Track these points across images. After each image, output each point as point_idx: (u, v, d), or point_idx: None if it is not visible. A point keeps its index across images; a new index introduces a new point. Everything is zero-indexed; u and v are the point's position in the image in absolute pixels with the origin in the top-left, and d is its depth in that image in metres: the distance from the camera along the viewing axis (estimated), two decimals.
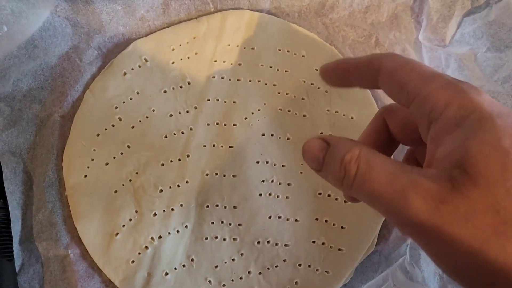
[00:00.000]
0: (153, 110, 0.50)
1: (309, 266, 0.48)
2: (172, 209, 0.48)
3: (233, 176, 0.49)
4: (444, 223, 0.24)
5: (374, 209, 0.28)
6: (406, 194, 0.25)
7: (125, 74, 0.50)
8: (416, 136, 0.31)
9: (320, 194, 0.49)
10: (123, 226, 0.48)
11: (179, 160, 0.49)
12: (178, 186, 0.49)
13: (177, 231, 0.48)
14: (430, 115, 0.28)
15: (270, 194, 0.49)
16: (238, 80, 0.51)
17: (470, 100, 0.27)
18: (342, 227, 0.48)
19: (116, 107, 0.50)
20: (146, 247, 0.47)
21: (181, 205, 0.48)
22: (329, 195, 0.49)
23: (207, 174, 0.49)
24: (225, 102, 0.51)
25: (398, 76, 0.30)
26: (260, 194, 0.49)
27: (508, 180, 0.24)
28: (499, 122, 0.25)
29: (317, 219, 0.48)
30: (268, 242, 0.48)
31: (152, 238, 0.48)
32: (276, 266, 0.48)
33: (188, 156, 0.49)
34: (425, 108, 0.28)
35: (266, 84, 0.51)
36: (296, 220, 0.48)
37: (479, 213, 0.24)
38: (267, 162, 0.50)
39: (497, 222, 0.23)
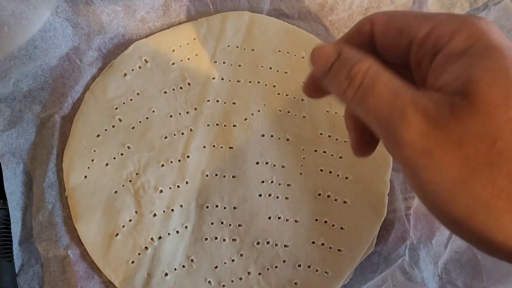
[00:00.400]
0: (153, 111, 0.50)
1: (309, 266, 0.48)
2: (172, 210, 0.48)
3: (233, 177, 0.49)
4: (436, 147, 0.24)
5: (370, 126, 0.27)
6: (404, 112, 0.24)
7: (125, 75, 0.51)
8: (403, 51, 0.29)
9: (319, 195, 0.49)
10: (123, 226, 0.48)
11: (179, 161, 0.49)
12: (178, 186, 0.49)
13: (177, 232, 0.48)
14: (434, 48, 0.26)
15: (269, 195, 0.49)
16: (238, 81, 0.51)
17: (477, 29, 0.25)
18: (341, 228, 0.48)
19: (116, 108, 0.50)
20: (146, 248, 0.47)
21: (181, 206, 0.48)
22: (328, 196, 0.49)
23: (207, 175, 0.49)
24: (225, 103, 0.51)
25: (395, 23, 0.28)
26: (260, 195, 0.49)
27: (510, 110, 0.22)
28: (508, 52, 0.24)
29: (316, 219, 0.48)
30: (268, 242, 0.48)
31: (152, 238, 0.48)
32: (276, 267, 0.48)
33: (188, 156, 0.49)
34: (429, 42, 0.27)
35: (266, 85, 0.51)
36: (295, 221, 0.48)
37: (474, 140, 0.23)
38: (266, 163, 0.50)
39: (491, 151, 0.22)
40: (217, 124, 0.50)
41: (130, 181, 0.49)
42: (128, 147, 0.49)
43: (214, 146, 0.50)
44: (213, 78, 0.51)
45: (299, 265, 0.48)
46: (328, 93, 0.32)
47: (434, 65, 0.26)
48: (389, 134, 0.25)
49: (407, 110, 0.24)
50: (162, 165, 0.49)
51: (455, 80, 0.24)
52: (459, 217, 0.24)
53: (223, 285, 0.47)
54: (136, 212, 0.48)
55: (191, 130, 0.50)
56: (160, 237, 0.48)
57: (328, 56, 0.29)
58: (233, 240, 0.48)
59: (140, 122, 0.50)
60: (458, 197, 0.23)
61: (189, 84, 0.51)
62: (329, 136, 0.50)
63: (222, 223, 0.48)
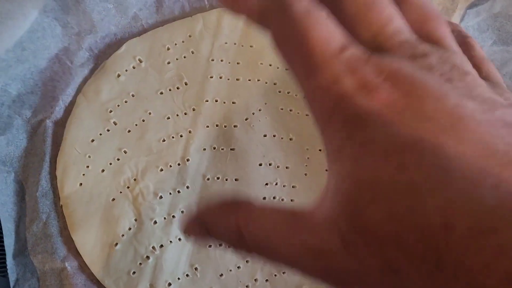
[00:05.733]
0: (150, 113, 0.48)
1: None
2: (173, 216, 0.46)
3: (236, 180, 0.47)
4: (338, 283, 0.21)
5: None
6: (303, 259, 0.22)
7: (118, 76, 0.48)
8: None
9: None
10: (123, 235, 0.45)
11: (179, 164, 0.47)
12: (179, 192, 0.47)
13: (179, 239, 0.46)
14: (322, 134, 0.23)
15: (274, 198, 0.47)
16: (237, 79, 0.49)
17: (352, 111, 0.21)
18: None
19: (111, 111, 0.47)
20: (147, 257, 0.45)
21: (182, 212, 0.46)
22: None
23: (208, 179, 0.47)
24: (224, 102, 0.49)
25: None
26: (264, 198, 0.47)
27: (399, 232, 0.19)
28: (377, 135, 0.20)
29: None
30: None
31: (153, 247, 0.46)
32: (283, 273, 0.46)
33: (187, 160, 0.47)
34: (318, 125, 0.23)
35: (266, 83, 0.49)
36: None
37: (372, 274, 0.20)
38: (270, 164, 0.48)
39: (391, 278, 0.19)
40: (216, 125, 0.48)
41: (128, 187, 0.46)
42: (125, 152, 0.47)
43: (214, 148, 0.48)
44: (211, 77, 0.49)
45: None
46: None
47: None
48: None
49: (294, 255, 0.22)
50: (161, 170, 0.47)
51: (337, 200, 0.21)
52: None
53: None
54: (135, 219, 0.46)
55: (190, 132, 0.48)
56: (161, 246, 0.46)
57: (198, 233, 0.27)
58: None
59: (136, 125, 0.47)
60: None
61: (186, 83, 0.49)
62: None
63: None
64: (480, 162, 0.18)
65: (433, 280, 0.18)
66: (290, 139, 0.48)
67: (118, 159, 0.47)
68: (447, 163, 0.18)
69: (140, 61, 0.49)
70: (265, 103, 0.49)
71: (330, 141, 0.22)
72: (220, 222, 0.26)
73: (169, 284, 0.45)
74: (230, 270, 0.46)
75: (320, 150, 0.48)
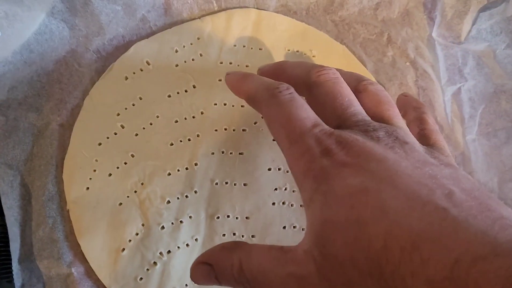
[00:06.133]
0: (157, 116, 0.47)
1: None
2: (181, 222, 0.45)
3: (244, 184, 0.46)
4: None
5: None
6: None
7: (126, 78, 0.47)
8: None
9: None
10: (130, 241, 0.45)
11: (187, 169, 0.46)
12: (187, 196, 0.46)
13: (187, 245, 0.45)
14: (297, 183, 0.31)
15: (283, 203, 0.46)
16: None
17: (320, 172, 0.29)
18: None
19: (118, 114, 0.47)
20: (155, 263, 0.45)
21: (190, 217, 0.46)
22: None
23: (216, 183, 0.46)
24: (233, 106, 0.48)
25: (273, 131, 0.34)
26: (273, 203, 0.46)
27: (353, 255, 0.26)
28: (337, 190, 0.27)
29: None
30: None
31: (160, 253, 0.45)
32: None
33: (196, 164, 0.46)
34: (292, 173, 0.32)
35: None
36: None
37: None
38: (279, 169, 0.47)
39: None
40: (225, 129, 0.48)
41: (135, 191, 0.46)
42: (132, 156, 0.46)
43: (223, 152, 0.47)
44: (220, 80, 0.48)
45: None
46: None
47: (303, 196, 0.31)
48: None
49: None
50: (169, 174, 0.46)
51: (311, 234, 0.29)
52: None
53: None
54: (142, 225, 0.45)
55: (198, 135, 0.47)
56: (169, 251, 0.45)
57: (205, 275, 0.33)
58: None
59: (143, 128, 0.47)
60: None
61: (194, 86, 0.48)
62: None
63: (234, 234, 0.46)
64: (408, 202, 0.25)
65: None
66: None
67: (125, 163, 0.46)
68: (384, 203, 0.25)
69: (148, 63, 0.48)
70: None
71: (305, 193, 0.30)
72: (224, 261, 0.32)
73: None
74: None
75: None
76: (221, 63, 0.49)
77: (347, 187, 0.27)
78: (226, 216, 0.46)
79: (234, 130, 0.48)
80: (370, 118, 0.33)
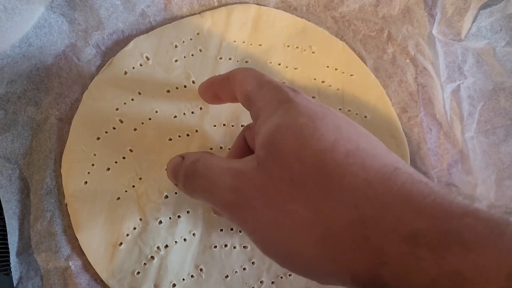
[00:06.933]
0: (156, 111, 0.47)
1: None
2: (179, 216, 0.46)
3: None
4: (246, 198, 0.29)
5: (207, 203, 0.34)
6: (223, 179, 0.30)
7: (125, 73, 0.48)
8: None
9: None
10: (127, 235, 0.45)
11: None
12: None
13: (184, 240, 0.45)
14: (257, 116, 0.33)
15: None
16: None
17: (286, 96, 0.31)
18: None
19: (117, 109, 0.47)
20: (152, 257, 0.45)
21: (188, 212, 0.46)
22: None
23: None
24: None
25: (244, 87, 0.35)
26: None
27: (300, 150, 0.28)
28: (302, 108, 0.30)
29: None
30: None
31: (158, 247, 0.45)
32: (290, 275, 0.45)
33: None
34: (256, 109, 0.33)
35: None
36: None
37: (276, 183, 0.28)
38: None
39: (290, 187, 0.27)
40: (224, 125, 0.48)
41: (133, 186, 0.46)
42: (131, 150, 0.46)
43: (221, 147, 0.47)
44: None
45: None
46: (221, 101, 0.42)
47: (256, 127, 0.32)
48: (216, 201, 0.31)
49: (224, 177, 0.30)
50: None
51: (262, 137, 0.30)
52: (283, 254, 0.29)
53: None
54: (140, 219, 0.45)
55: (196, 131, 0.47)
56: (166, 246, 0.45)
57: (175, 164, 0.36)
58: (244, 247, 0.46)
59: (142, 123, 0.47)
60: (276, 240, 0.29)
61: (193, 82, 0.48)
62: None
63: (232, 229, 0.46)
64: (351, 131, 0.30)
65: (320, 186, 0.27)
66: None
67: (123, 158, 0.46)
68: (339, 123, 0.30)
69: (148, 58, 0.48)
70: None
71: (264, 114, 0.32)
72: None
73: (174, 285, 0.45)
74: (236, 272, 0.45)
75: None
76: (221, 58, 0.49)
77: (308, 107, 0.30)
78: None
79: (232, 126, 0.48)
80: None
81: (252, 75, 0.35)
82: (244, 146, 0.40)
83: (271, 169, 0.28)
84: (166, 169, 0.37)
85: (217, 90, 0.40)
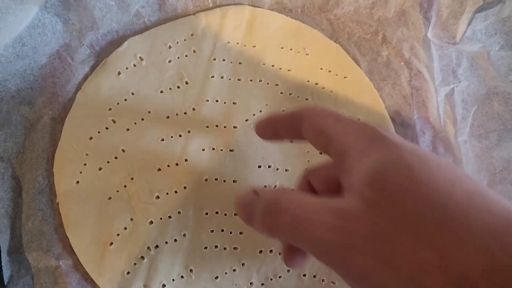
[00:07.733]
0: (149, 112, 0.47)
1: (314, 276, 0.46)
2: (170, 217, 0.46)
3: (234, 181, 0.47)
4: (353, 239, 0.26)
5: (293, 242, 0.29)
6: (318, 217, 0.27)
7: (119, 73, 0.48)
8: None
9: None
10: (118, 235, 0.45)
11: (177, 164, 0.46)
12: (176, 192, 0.46)
13: (175, 240, 0.45)
14: (344, 152, 0.30)
15: None
16: (239, 79, 0.49)
17: (376, 132, 0.29)
18: None
19: (110, 109, 0.47)
20: (142, 258, 0.45)
21: (179, 213, 0.46)
22: None
23: (206, 179, 0.46)
24: (224, 103, 0.48)
25: (317, 123, 0.32)
26: None
27: (414, 189, 0.25)
28: (402, 145, 0.28)
29: None
30: (271, 251, 0.46)
31: (148, 247, 0.45)
32: (280, 277, 0.45)
33: (186, 160, 0.47)
34: (340, 146, 0.31)
35: (268, 84, 0.49)
36: None
37: (391, 224, 0.25)
38: (269, 167, 0.47)
39: (410, 229, 0.25)
40: (216, 126, 0.48)
41: (125, 186, 0.46)
42: (123, 150, 0.46)
43: (213, 148, 0.47)
44: (212, 77, 0.49)
45: (304, 275, 0.45)
46: (282, 137, 0.38)
47: (346, 165, 0.30)
48: (311, 244, 0.27)
49: (312, 214, 0.27)
50: (159, 169, 0.46)
51: (363, 176, 0.27)
52: None
53: None
54: (131, 219, 0.45)
55: (189, 132, 0.47)
56: (157, 246, 0.45)
57: (248, 200, 0.32)
58: (234, 248, 0.46)
59: (135, 123, 0.47)
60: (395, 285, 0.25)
61: (186, 83, 0.48)
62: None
63: (222, 230, 0.46)
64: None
65: (445, 229, 0.24)
66: (290, 142, 0.47)
67: (115, 158, 0.46)
68: (440, 162, 0.28)
69: (141, 59, 0.48)
70: (266, 104, 0.48)
71: (354, 150, 0.29)
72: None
73: (163, 286, 0.45)
74: (226, 273, 0.45)
75: (320, 153, 0.47)
76: (214, 59, 0.49)
77: (405, 143, 0.29)
78: (214, 213, 0.46)
79: (225, 127, 0.48)
80: None
81: (327, 111, 0.33)
82: (309, 191, 0.38)
83: (382, 209, 0.26)
84: (235, 204, 0.33)
85: (280, 127, 0.37)
